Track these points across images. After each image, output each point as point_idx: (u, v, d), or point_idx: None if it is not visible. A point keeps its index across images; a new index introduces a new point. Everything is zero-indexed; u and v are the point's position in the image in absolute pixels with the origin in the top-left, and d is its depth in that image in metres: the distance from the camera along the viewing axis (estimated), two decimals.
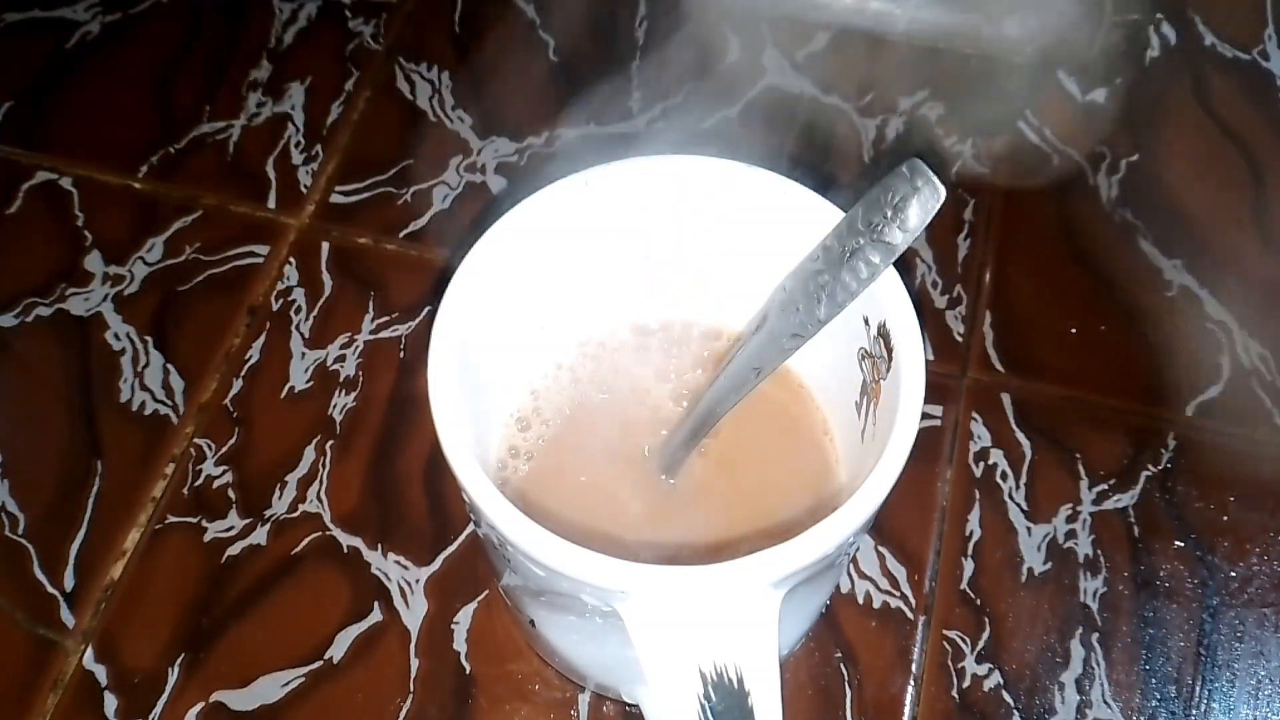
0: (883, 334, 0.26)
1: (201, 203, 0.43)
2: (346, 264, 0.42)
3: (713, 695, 0.22)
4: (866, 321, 0.27)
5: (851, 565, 0.36)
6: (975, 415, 0.38)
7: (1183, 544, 0.36)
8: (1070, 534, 0.36)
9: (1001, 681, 0.34)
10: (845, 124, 0.45)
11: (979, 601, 0.35)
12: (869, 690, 0.34)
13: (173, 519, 0.37)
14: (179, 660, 0.34)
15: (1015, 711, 0.34)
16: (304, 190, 0.43)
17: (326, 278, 0.41)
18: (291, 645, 0.35)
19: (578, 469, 0.31)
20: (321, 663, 0.34)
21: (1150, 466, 0.38)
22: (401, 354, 0.40)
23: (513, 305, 0.29)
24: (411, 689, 0.34)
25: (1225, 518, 0.37)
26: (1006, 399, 0.39)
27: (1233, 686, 0.34)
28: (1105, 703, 0.34)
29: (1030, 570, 0.36)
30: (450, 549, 0.36)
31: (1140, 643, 0.35)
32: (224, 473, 0.37)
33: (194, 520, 0.37)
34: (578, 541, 0.23)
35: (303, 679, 0.34)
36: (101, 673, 0.34)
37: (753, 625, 0.23)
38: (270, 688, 0.34)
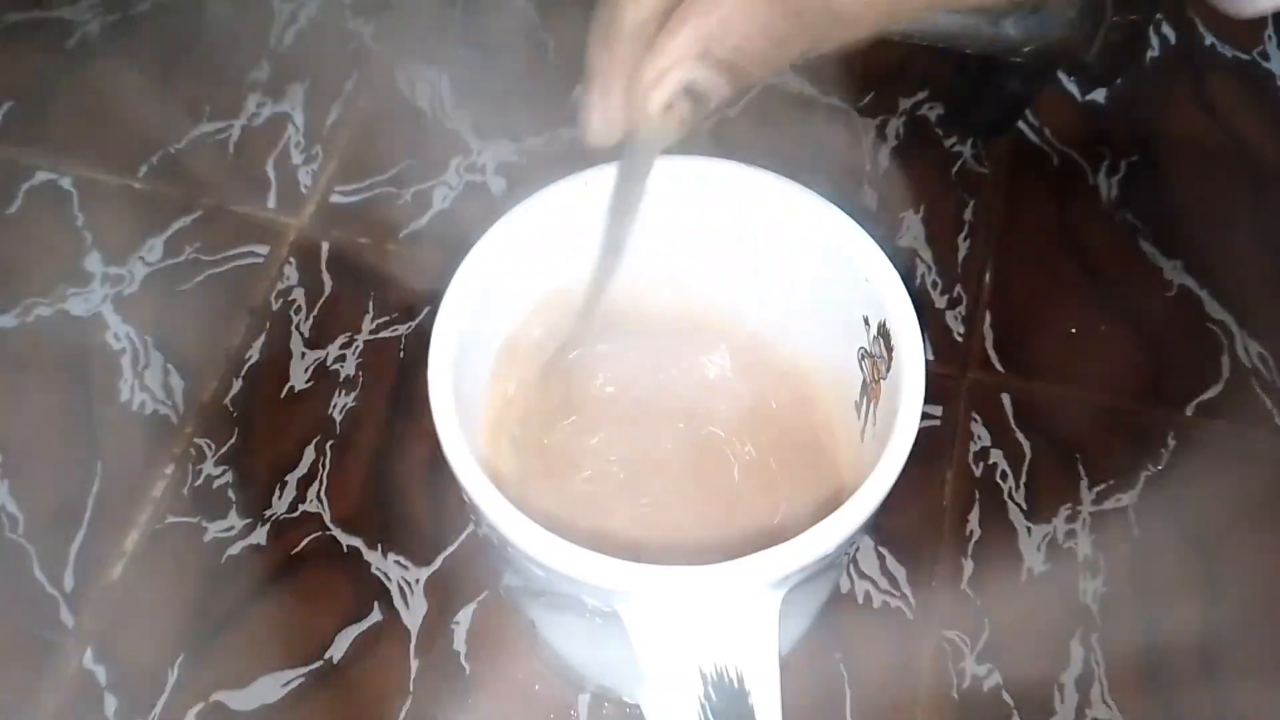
0: (883, 334, 0.26)
1: (201, 203, 0.43)
2: (346, 264, 0.42)
3: (713, 695, 0.22)
4: (866, 321, 0.27)
5: (851, 565, 0.36)
6: (975, 415, 0.38)
7: (1183, 544, 0.36)
8: (1070, 534, 0.36)
9: (1001, 681, 0.34)
10: (845, 124, 0.45)
11: (979, 601, 0.35)
12: (869, 690, 0.34)
13: (173, 519, 0.37)
14: (179, 660, 0.34)
15: (1015, 711, 0.34)
16: (304, 190, 0.43)
17: (326, 278, 0.41)
18: (291, 645, 0.35)
19: (578, 468, 0.31)
20: (321, 663, 0.34)
21: (1150, 466, 0.38)
22: (401, 354, 0.40)
23: (512, 305, 0.29)
24: (411, 689, 0.34)
25: (1225, 518, 0.37)
26: (1006, 399, 0.39)
27: (1234, 687, 0.34)
28: (1105, 703, 0.34)
29: (1030, 570, 0.36)
30: (450, 549, 0.36)
31: (1140, 643, 0.35)
32: (224, 473, 0.37)
33: (194, 520, 0.37)
34: (578, 541, 0.23)
35: (303, 679, 0.34)
36: (101, 673, 0.34)
37: (753, 625, 0.23)
38: (270, 688, 0.34)
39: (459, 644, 0.35)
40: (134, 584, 0.36)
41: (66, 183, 0.44)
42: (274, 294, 0.41)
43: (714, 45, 0.20)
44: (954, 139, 0.44)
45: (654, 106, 0.21)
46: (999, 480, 0.37)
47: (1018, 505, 0.37)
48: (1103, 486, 0.37)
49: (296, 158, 0.44)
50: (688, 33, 0.20)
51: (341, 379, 0.39)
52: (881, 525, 0.36)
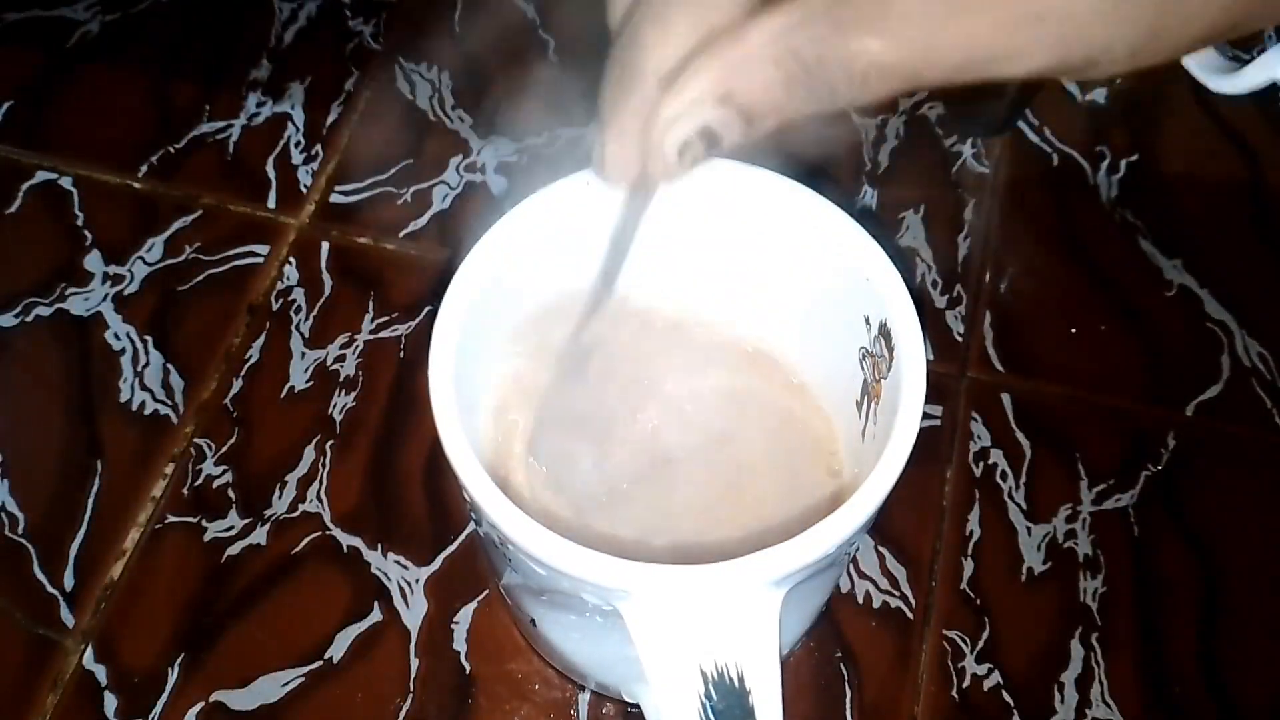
0: (884, 333, 0.26)
1: (201, 203, 0.43)
2: (346, 264, 0.42)
3: (714, 694, 0.22)
4: (868, 321, 0.27)
5: (851, 565, 0.36)
6: (975, 415, 0.38)
7: (1183, 544, 0.36)
8: (1070, 534, 0.36)
9: (1001, 681, 0.34)
10: (845, 124, 0.45)
11: (979, 601, 0.35)
12: (869, 690, 0.34)
13: (173, 519, 0.37)
14: (179, 660, 0.34)
15: (1015, 711, 0.34)
16: (304, 190, 0.43)
17: (326, 278, 0.41)
18: (291, 645, 0.35)
19: (579, 467, 0.31)
20: (321, 663, 0.34)
21: (1150, 466, 0.38)
22: (401, 354, 0.40)
23: (513, 305, 0.29)
24: (411, 689, 0.34)
25: (1225, 517, 0.37)
26: (1006, 399, 0.39)
27: (1234, 687, 0.34)
28: (1105, 703, 0.34)
29: (1030, 570, 0.36)
30: (450, 549, 0.36)
31: (1140, 643, 0.35)
32: (224, 473, 0.37)
33: (194, 520, 0.37)
34: (579, 540, 0.23)
35: (303, 679, 0.34)
36: (101, 673, 0.34)
37: (753, 624, 0.23)
38: (270, 688, 0.34)
39: (459, 644, 0.35)
40: (134, 584, 0.36)
41: (66, 183, 0.44)
42: (274, 294, 0.41)
43: (736, 90, 0.21)
44: (954, 139, 0.44)
45: (671, 146, 0.21)
46: (999, 480, 0.37)
47: (1018, 505, 0.37)
48: (1103, 486, 0.37)
49: (296, 157, 0.44)
50: (711, 75, 0.21)
51: (341, 379, 0.39)
52: (881, 525, 0.36)
